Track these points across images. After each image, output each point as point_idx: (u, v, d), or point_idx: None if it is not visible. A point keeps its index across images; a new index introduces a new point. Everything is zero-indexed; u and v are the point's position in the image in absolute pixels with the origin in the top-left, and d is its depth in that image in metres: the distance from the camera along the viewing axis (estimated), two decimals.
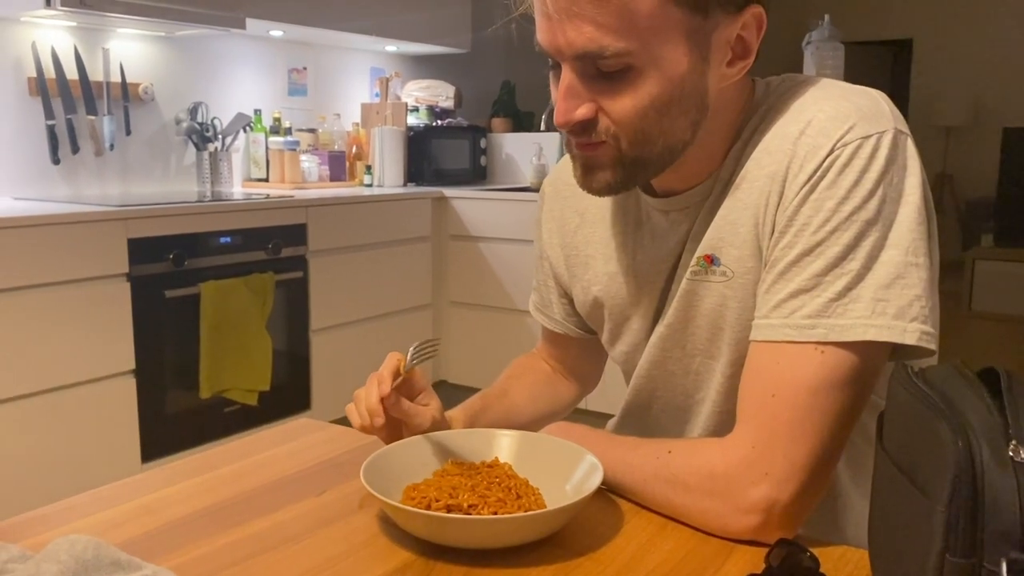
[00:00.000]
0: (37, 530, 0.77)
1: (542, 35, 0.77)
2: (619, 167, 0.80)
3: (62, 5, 2.43)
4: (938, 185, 6.22)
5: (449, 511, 0.75)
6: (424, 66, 4.25)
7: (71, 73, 2.83)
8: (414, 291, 3.40)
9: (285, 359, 2.88)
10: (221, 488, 0.87)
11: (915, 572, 0.54)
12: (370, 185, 3.65)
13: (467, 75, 4.35)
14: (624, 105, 0.76)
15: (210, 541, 0.74)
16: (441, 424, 0.92)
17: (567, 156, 1.04)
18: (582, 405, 1.24)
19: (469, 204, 3.46)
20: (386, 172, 3.65)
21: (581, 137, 0.80)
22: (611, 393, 1.41)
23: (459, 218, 3.49)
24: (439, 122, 3.90)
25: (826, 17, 2.96)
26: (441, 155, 3.78)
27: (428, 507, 0.75)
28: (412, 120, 3.83)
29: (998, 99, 6.26)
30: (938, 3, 6.47)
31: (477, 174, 3.96)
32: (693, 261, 0.85)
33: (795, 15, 5.24)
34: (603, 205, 0.96)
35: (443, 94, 3.91)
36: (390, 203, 3.25)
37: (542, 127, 3.72)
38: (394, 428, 0.91)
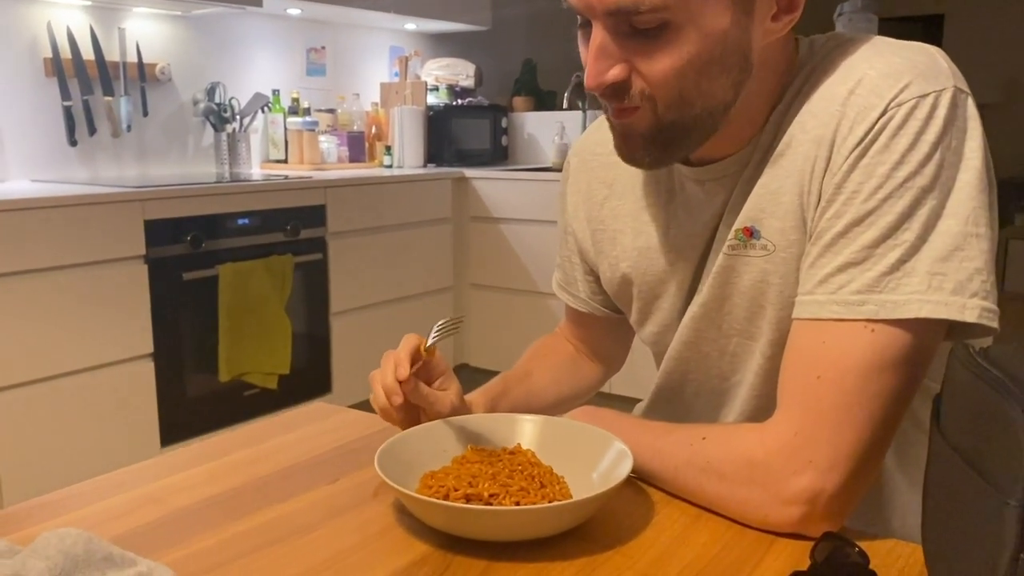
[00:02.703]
0: (36, 520, 0.74)
1: None
2: (657, 134, 0.74)
3: None
4: None
5: (468, 501, 0.70)
6: (444, 44, 4.18)
7: (87, 53, 2.80)
8: (435, 273, 3.36)
9: (305, 342, 2.85)
10: (231, 475, 0.83)
11: (982, 574, 0.49)
12: (390, 166, 3.61)
13: (487, 53, 4.28)
14: (661, 65, 0.70)
15: (216, 532, 0.70)
16: (460, 409, 0.87)
17: (595, 124, 0.99)
18: (606, 388, 1.19)
19: (490, 185, 3.41)
20: (406, 153, 3.61)
21: (614, 101, 0.74)
22: (638, 376, 1.36)
23: (480, 199, 3.43)
24: (459, 101, 3.84)
25: None
26: (461, 135, 3.72)
27: (446, 497, 0.71)
28: (432, 99, 3.77)
29: None
30: None
31: (498, 154, 3.90)
32: (731, 234, 0.79)
33: None
34: (633, 175, 0.90)
35: (463, 73, 3.85)
36: (410, 184, 3.21)
37: (564, 105, 3.65)
38: (412, 413, 0.87)
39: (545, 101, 4.26)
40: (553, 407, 1.01)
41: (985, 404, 0.50)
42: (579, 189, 0.98)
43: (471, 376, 3.38)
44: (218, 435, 2.56)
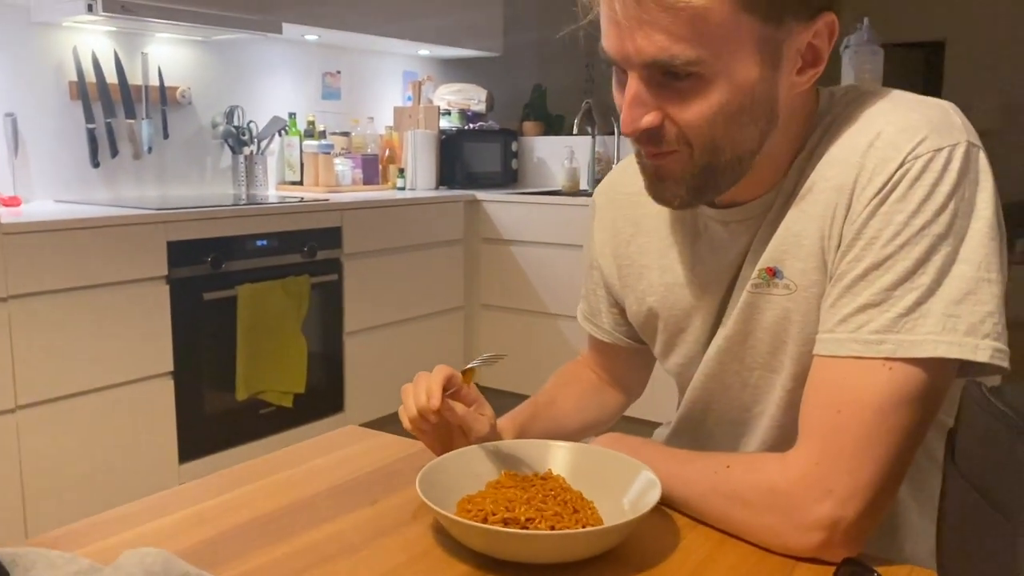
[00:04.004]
0: (93, 538, 0.78)
1: (609, 42, 0.76)
2: (689, 176, 0.79)
3: (104, 10, 2.46)
4: None
5: (506, 525, 0.74)
6: (455, 70, 4.25)
7: (111, 77, 2.86)
8: (446, 294, 3.41)
9: (319, 361, 2.89)
10: (274, 496, 0.87)
11: None
12: (403, 188, 3.66)
13: (498, 78, 4.35)
14: (692, 113, 0.75)
15: (267, 551, 0.74)
16: (492, 435, 0.92)
17: (621, 164, 1.04)
18: (627, 412, 1.23)
19: (501, 207, 3.46)
20: (419, 175, 3.66)
21: (648, 146, 0.79)
22: (655, 400, 1.40)
23: (491, 221, 3.48)
24: (471, 125, 3.90)
25: (865, 20, 2.92)
26: (473, 158, 3.78)
27: (484, 520, 0.75)
28: (444, 123, 3.83)
29: None
30: (970, 5, 6.37)
31: (508, 177, 3.96)
32: (754, 273, 0.84)
33: None
34: (658, 215, 0.95)
35: (475, 98, 3.91)
36: (423, 206, 3.26)
37: (575, 131, 3.71)
38: (442, 436, 0.91)
39: (554, 125, 4.32)
40: (578, 433, 1.06)
41: (999, 442, 0.54)
42: (605, 226, 1.02)
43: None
44: (241, 451, 2.59)
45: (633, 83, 0.76)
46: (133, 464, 2.40)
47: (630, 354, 1.08)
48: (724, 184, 0.81)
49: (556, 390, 1.10)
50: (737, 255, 0.87)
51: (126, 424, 2.38)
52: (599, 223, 1.04)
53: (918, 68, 7.13)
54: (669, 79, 0.74)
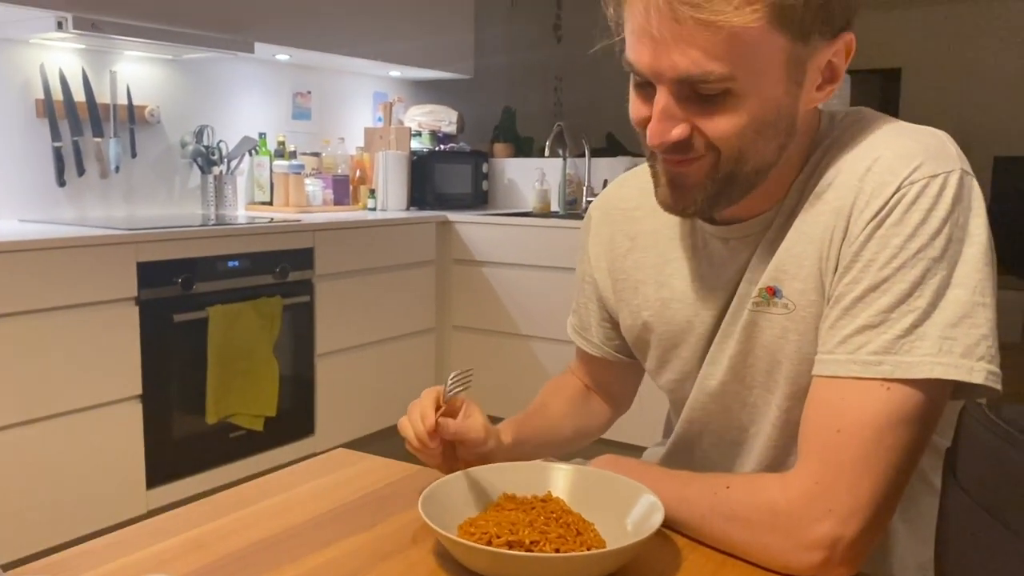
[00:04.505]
0: (91, 564, 0.76)
1: (640, 56, 0.77)
2: (710, 183, 0.80)
3: (74, 28, 2.43)
4: None
5: (510, 547, 0.74)
6: (426, 91, 4.26)
7: (78, 95, 2.82)
8: (418, 315, 3.40)
9: (290, 384, 2.86)
10: (270, 521, 0.86)
11: None
12: (373, 209, 3.65)
13: (469, 100, 4.37)
14: (722, 127, 0.77)
15: None
16: (491, 431, 0.94)
17: (618, 180, 1.05)
18: (610, 436, 1.24)
19: (473, 228, 3.46)
20: (390, 196, 3.66)
21: (675, 155, 0.80)
22: (638, 423, 1.41)
23: (463, 242, 3.49)
24: (442, 147, 3.91)
25: None
26: (443, 180, 3.79)
27: (489, 543, 0.75)
28: (415, 144, 3.83)
29: (987, 128, 6.34)
30: (926, 33, 6.56)
31: (479, 199, 3.97)
32: (755, 292, 0.85)
33: None
34: (656, 231, 0.97)
35: (446, 119, 3.92)
36: (395, 227, 3.25)
37: (546, 153, 3.74)
38: (446, 453, 0.92)
39: (523, 147, 4.35)
40: (571, 438, 1.09)
41: (1004, 460, 0.56)
42: (601, 240, 1.03)
43: None
44: (211, 476, 2.55)
45: (662, 96, 0.77)
46: (100, 489, 2.34)
47: (618, 368, 1.10)
48: (738, 194, 0.82)
49: (546, 397, 1.12)
50: (736, 272, 0.88)
51: (93, 449, 2.32)
52: (594, 237, 1.05)
53: (875, 94, 7.31)
54: (698, 93, 0.76)
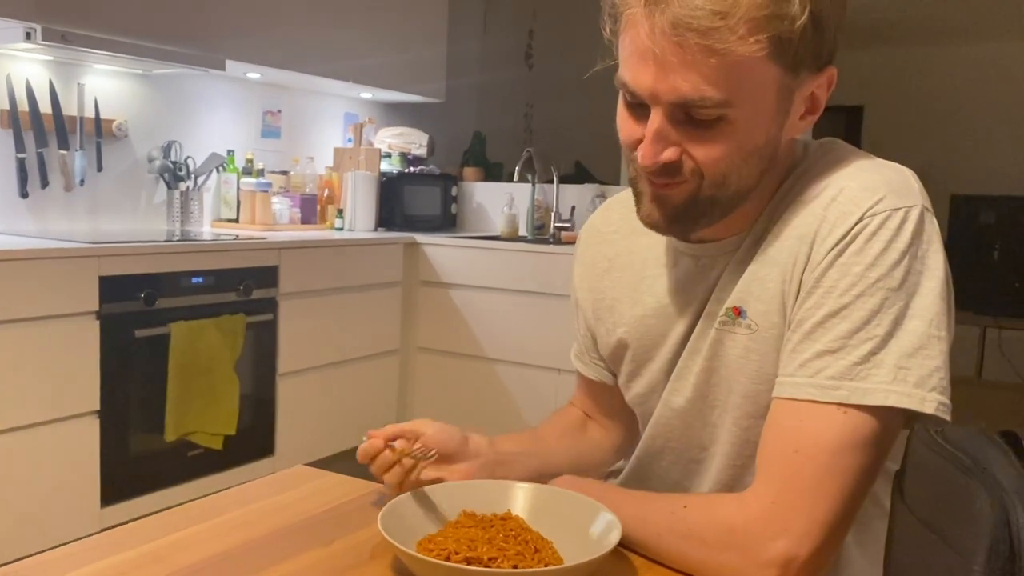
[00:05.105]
0: (46, 575, 0.75)
1: (636, 77, 0.78)
2: (691, 206, 0.82)
3: (43, 39, 2.42)
4: None
5: (468, 563, 0.75)
6: (397, 113, 4.28)
7: (45, 107, 2.80)
8: (383, 336, 3.38)
9: (251, 403, 2.83)
10: (228, 535, 0.85)
11: None
12: (341, 229, 3.65)
13: (439, 124, 4.39)
14: (711, 152, 0.78)
15: None
16: (448, 430, 0.94)
17: (604, 205, 1.07)
18: None
19: (441, 251, 3.47)
20: (358, 216, 3.65)
21: (663, 178, 0.81)
22: None
23: (430, 264, 3.49)
24: (411, 169, 3.92)
25: None
26: (412, 201, 3.79)
27: (447, 559, 0.75)
28: (384, 166, 3.84)
29: (945, 167, 6.50)
30: (887, 73, 6.73)
31: (447, 221, 3.98)
32: (722, 311, 0.87)
33: None
34: (631, 251, 0.99)
35: (416, 142, 3.94)
36: (362, 247, 3.25)
37: (515, 178, 3.76)
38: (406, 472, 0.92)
39: (492, 172, 4.38)
40: (564, 463, 1.03)
41: (950, 482, 0.58)
42: (585, 261, 1.06)
43: None
44: (167, 494, 2.51)
45: (656, 118, 0.78)
46: (52, 506, 2.29)
47: (616, 391, 1.09)
48: (717, 215, 0.84)
49: (544, 426, 1.11)
50: (705, 290, 0.90)
51: (47, 464, 2.28)
52: (579, 259, 1.07)
53: (838, 131, 7.46)
54: (692, 118, 0.77)
